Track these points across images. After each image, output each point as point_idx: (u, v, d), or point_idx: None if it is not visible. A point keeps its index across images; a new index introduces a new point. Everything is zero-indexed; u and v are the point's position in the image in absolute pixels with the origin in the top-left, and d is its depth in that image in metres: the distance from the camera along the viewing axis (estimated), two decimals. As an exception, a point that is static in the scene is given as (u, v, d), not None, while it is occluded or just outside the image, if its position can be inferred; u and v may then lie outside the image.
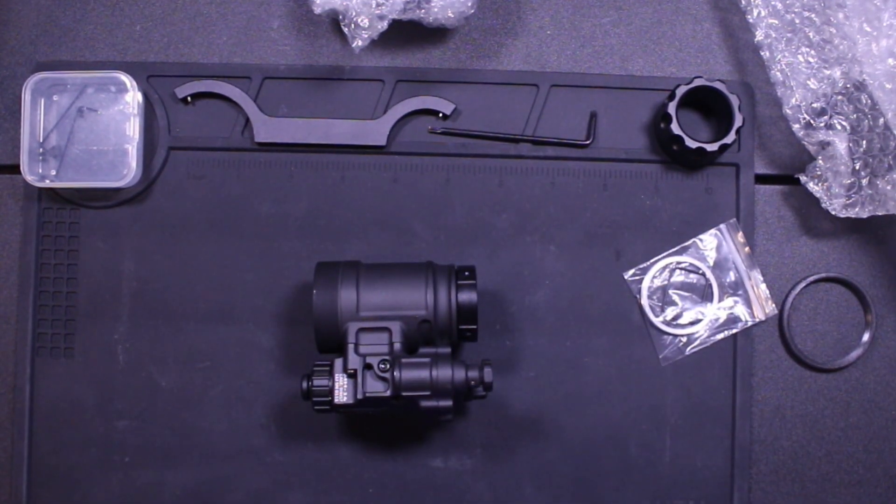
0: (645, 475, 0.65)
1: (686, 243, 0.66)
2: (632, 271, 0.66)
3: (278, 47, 0.68)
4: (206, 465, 0.65)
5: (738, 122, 0.63)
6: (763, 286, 0.66)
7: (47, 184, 0.65)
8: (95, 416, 0.65)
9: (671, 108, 0.63)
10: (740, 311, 0.66)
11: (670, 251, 0.66)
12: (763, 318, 0.66)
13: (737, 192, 0.66)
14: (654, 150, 0.66)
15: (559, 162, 0.66)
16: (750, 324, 0.65)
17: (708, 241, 0.66)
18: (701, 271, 0.66)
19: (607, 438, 0.65)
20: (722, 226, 0.66)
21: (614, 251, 0.66)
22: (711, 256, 0.66)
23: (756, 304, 0.66)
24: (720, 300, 0.66)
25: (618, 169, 0.66)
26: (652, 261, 0.66)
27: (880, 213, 0.62)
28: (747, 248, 0.66)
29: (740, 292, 0.66)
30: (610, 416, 0.65)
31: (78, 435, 0.65)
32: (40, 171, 0.65)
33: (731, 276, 0.66)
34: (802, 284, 0.66)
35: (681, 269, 0.66)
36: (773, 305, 0.66)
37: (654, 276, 0.66)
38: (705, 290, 0.66)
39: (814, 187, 0.63)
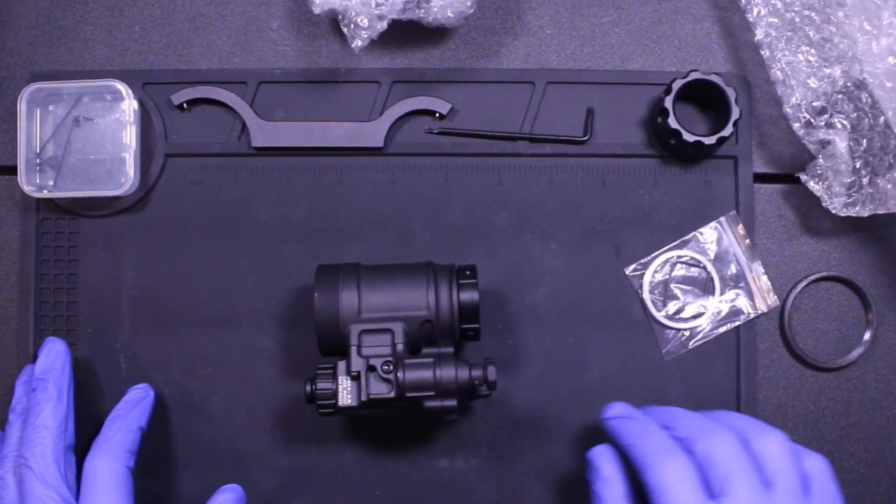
0: (651, 470, 0.65)
1: (686, 237, 0.66)
2: (632, 266, 0.66)
3: (277, 48, 0.67)
4: (210, 472, 0.65)
5: (735, 114, 0.63)
6: (764, 277, 0.66)
7: (45, 194, 0.65)
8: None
9: (668, 103, 0.63)
10: (742, 303, 0.65)
11: (670, 245, 0.66)
12: (765, 310, 0.65)
13: (736, 185, 0.66)
14: (651, 144, 0.66)
15: (557, 159, 0.66)
16: (752, 315, 0.65)
17: (708, 235, 0.66)
18: (702, 265, 0.66)
19: (612, 434, 0.65)
20: (722, 219, 0.66)
21: (614, 247, 0.66)
22: (712, 249, 0.66)
23: (758, 295, 0.65)
24: (722, 293, 0.66)
25: (616, 164, 0.66)
26: (652, 255, 0.66)
27: (881, 212, 0.62)
28: (747, 241, 0.66)
29: (742, 284, 0.66)
30: (615, 412, 0.65)
31: (82, 445, 0.64)
32: (38, 181, 0.65)
33: (733, 269, 0.66)
34: (803, 283, 0.66)
35: (681, 262, 0.66)
36: (775, 297, 0.66)
37: (655, 271, 0.66)
38: (707, 283, 0.66)
39: (814, 186, 0.63)
